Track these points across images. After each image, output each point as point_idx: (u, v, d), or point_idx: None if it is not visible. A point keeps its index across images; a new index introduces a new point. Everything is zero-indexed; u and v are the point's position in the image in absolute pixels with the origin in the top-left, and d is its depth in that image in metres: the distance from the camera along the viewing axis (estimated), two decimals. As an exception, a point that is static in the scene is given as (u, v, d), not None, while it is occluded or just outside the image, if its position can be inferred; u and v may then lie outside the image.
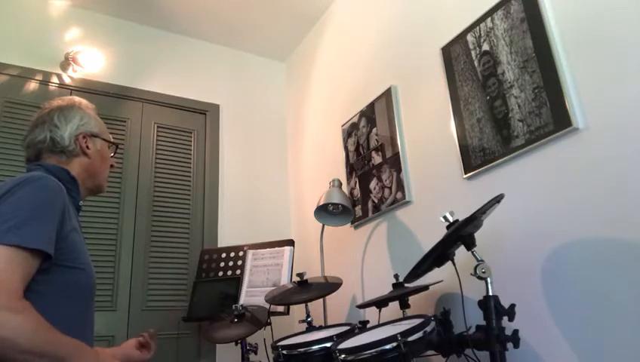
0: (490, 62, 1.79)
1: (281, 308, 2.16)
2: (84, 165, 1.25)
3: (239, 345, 1.97)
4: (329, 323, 2.24)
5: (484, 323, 1.24)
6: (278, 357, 1.53)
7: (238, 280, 2.36)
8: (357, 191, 2.49)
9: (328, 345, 1.47)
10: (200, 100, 3.14)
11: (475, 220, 1.29)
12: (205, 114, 3.14)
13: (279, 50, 3.49)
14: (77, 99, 1.34)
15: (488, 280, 1.25)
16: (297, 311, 2.34)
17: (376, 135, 2.38)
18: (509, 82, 1.70)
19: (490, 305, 1.23)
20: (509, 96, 1.70)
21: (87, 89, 2.75)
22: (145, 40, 3.08)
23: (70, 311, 1.06)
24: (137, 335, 1.38)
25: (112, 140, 1.38)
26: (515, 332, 1.23)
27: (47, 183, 1.05)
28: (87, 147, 1.26)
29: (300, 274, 1.86)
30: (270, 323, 1.90)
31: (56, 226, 1.02)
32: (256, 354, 1.98)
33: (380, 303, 1.77)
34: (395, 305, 1.77)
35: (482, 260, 1.26)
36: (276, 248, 2.36)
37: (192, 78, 3.18)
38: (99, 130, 1.32)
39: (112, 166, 1.37)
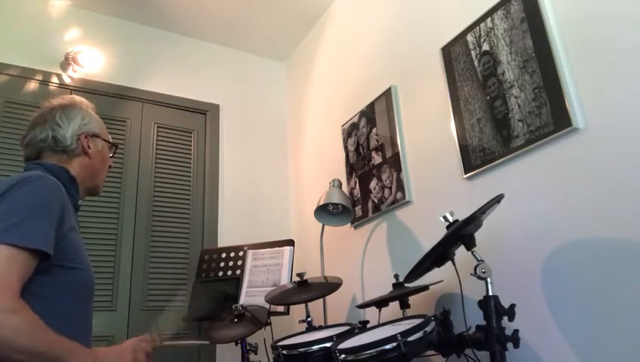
0: (490, 62, 1.79)
1: (281, 308, 2.16)
2: (84, 165, 1.25)
3: (239, 345, 1.97)
4: (329, 323, 2.24)
5: (484, 323, 1.24)
6: (278, 357, 1.53)
7: (238, 280, 2.36)
8: (357, 191, 2.49)
9: (328, 345, 1.47)
10: (200, 100, 3.14)
11: (475, 220, 1.29)
12: (205, 114, 3.14)
13: (279, 50, 3.49)
14: (77, 98, 1.34)
15: (488, 280, 1.25)
16: (297, 311, 2.33)
17: (376, 135, 2.38)
18: (509, 82, 1.70)
19: (490, 305, 1.23)
20: (509, 96, 1.70)
21: (87, 89, 2.75)
22: (145, 40, 3.08)
23: (69, 312, 1.05)
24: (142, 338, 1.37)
25: (111, 141, 1.38)
26: (515, 332, 1.23)
27: (46, 182, 1.05)
28: (89, 147, 1.27)
29: (300, 274, 1.86)
30: (270, 323, 1.90)
31: (56, 226, 1.02)
32: (256, 354, 1.98)
33: (380, 303, 1.77)
34: (395, 305, 1.77)
35: (482, 260, 1.26)
36: (276, 248, 2.36)
37: (192, 78, 3.18)
38: (99, 131, 1.32)
39: (110, 167, 1.37)
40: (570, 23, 1.54)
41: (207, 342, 1.83)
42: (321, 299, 2.22)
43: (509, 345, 1.22)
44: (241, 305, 1.92)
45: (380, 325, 1.57)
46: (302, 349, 1.50)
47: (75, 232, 1.11)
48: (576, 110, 1.47)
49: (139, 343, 1.28)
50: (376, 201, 2.33)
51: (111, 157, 1.38)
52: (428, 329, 1.27)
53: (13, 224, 0.94)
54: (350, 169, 2.58)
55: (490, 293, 1.24)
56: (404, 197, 2.13)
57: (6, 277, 0.90)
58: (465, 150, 1.85)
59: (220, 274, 2.47)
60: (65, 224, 1.05)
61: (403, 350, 1.19)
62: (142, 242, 2.66)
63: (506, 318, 1.25)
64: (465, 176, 1.84)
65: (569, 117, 1.47)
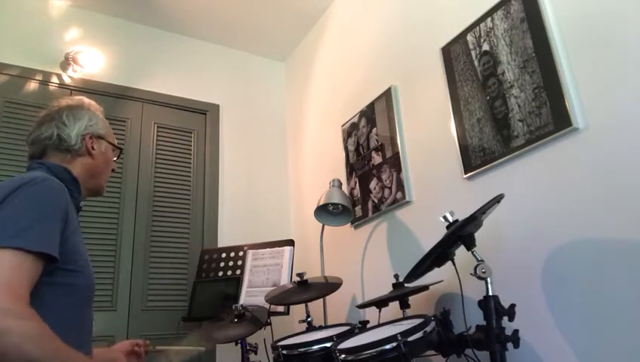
0: (490, 62, 1.79)
1: (281, 308, 2.16)
2: (87, 165, 1.25)
3: (239, 345, 1.97)
4: (329, 323, 2.24)
5: (484, 323, 1.24)
6: (278, 357, 1.53)
7: (238, 280, 2.36)
8: (357, 191, 2.49)
9: (328, 345, 1.47)
10: (200, 100, 3.14)
11: (475, 220, 1.29)
12: (205, 114, 3.14)
13: (279, 50, 3.50)
14: (86, 100, 1.34)
15: (488, 280, 1.25)
16: (297, 311, 2.33)
17: (376, 135, 2.38)
18: (509, 82, 1.70)
19: (490, 305, 1.23)
20: (509, 96, 1.70)
21: (87, 89, 2.75)
22: (145, 40, 3.08)
23: (69, 314, 1.05)
24: (135, 343, 1.38)
25: (116, 144, 1.38)
26: (515, 332, 1.23)
27: (50, 185, 1.05)
28: (93, 148, 1.26)
29: (299, 274, 1.86)
30: (270, 323, 1.90)
31: (60, 229, 1.01)
32: (256, 354, 1.98)
33: (380, 303, 1.77)
34: (395, 305, 1.77)
35: (482, 260, 1.26)
36: (276, 248, 2.36)
37: (192, 78, 3.18)
38: (105, 133, 1.32)
39: (113, 170, 1.36)
40: (570, 23, 1.54)
41: (202, 349, 1.74)
42: (321, 299, 2.22)
43: (509, 345, 1.22)
44: (241, 305, 1.92)
45: (380, 325, 1.57)
46: (302, 349, 1.51)
47: (77, 234, 1.10)
48: (576, 110, 1.47)
49: (131, 349, 1.28)
50: (376, 201, 2.33)
51: (115, 160, 1.37)
52: (428, 329, 1.27)
53: (22, 228, 0.93)
54: (350, 169, 2.58)
55: (490, 293, 1.24)
56: (404, 197, 2.13)
57: (16, 282, 0.89)
58: (465, 150, 1.85)
59: (220, 274, 2.47)
60: (68, 226, 1.05)
61: (403, 350, 1.19)
62: (142, 242, 2.66)
63: (506, 318, 1.25)
64: (465, 176, 1.84)
65: (569, 117, 1.47)
